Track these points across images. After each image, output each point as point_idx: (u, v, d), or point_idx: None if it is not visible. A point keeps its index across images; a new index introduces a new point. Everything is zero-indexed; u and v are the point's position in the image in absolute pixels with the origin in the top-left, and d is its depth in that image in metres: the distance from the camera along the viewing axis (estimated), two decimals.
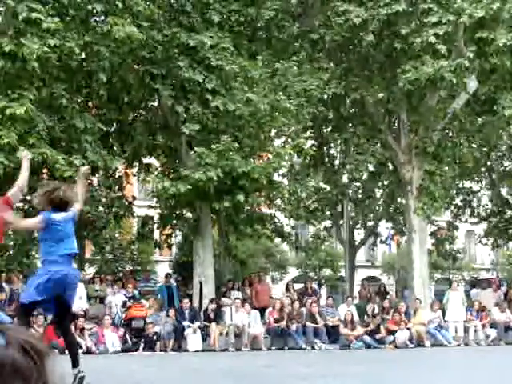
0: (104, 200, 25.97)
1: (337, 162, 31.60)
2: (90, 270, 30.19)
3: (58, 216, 8.44)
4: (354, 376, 10.50)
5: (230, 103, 20.09)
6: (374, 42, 22.52)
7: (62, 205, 8.45)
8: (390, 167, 28.34)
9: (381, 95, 24.53)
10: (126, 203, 25.61)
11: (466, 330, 22.62)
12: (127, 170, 25.81)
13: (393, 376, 10.36)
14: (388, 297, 25.91)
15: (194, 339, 19.60)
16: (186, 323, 19.91)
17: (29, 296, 8.45)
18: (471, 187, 34.81)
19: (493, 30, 21.54)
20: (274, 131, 24.08)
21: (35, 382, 1.10)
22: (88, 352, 18.40)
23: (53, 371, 1.14)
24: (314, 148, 27.99)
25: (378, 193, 33.95)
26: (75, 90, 20.18)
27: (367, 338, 21.07)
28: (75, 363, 8.30)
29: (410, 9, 21.99)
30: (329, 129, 29.12)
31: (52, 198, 8.40)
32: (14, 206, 8.34)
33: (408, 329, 21.52)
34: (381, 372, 11.36)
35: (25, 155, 8.61)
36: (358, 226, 35.45)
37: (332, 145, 30.97)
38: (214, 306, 20.69)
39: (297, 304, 21.87)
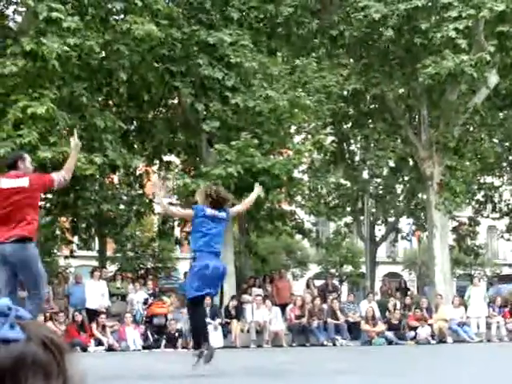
0: (125, 198, 26.08)
1: (357, 158, 31.55)
2: (112, 268, 30.31)
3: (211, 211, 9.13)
4: (375, 372, 10.48)
5: (250, 100, 20.10)
6: (394, 37, 22.42)
7: (218, 202, 9.16)
8: (411, 163, 28.26)
9: (401, 90, 24.45)
10: (147, 201, 25.71)
11: (489, 325, 22.49)
12: (148, 168, 25.91)
13: (414, 372, 10.32)
14: (409, 293, 25.81)
15: (215, 336, 19.62)
16: (207, 320, 19.93)
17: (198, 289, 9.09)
18: (493, 182, 34.58)
19: None
20: (293, 128, 24.09)
21: (56, 377, 1.11)
22: (110, 349, 18.50)
23: (73, 367, 1.15)
24: (334, 144, 27.97)
25: (399, 188, 33.83)
26: (95, 89, 20.27)
27: (389, 335, 21.02)
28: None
29: (430, 3, 21.88)
30: (349, 125, 29.06)
31: (209, 193, 9.18)
32: (55, 187, 8.40)
33: (430, 325, 21.45)
34: (402, 368, 11.32)
35: (75, 144, 8.65)
36: (379, 221, 35.35)
37: (352, 141, 30.92)
38: (234, 302, 20.72)
39: (318, 300, 21.85)
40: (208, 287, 9.04)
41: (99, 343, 18.85)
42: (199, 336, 9.34)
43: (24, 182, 8.09)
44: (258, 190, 10.36)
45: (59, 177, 8.24)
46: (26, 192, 8.04)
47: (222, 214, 9.27)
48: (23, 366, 1.08)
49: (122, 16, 19.59)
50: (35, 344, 1.10)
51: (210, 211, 9.12)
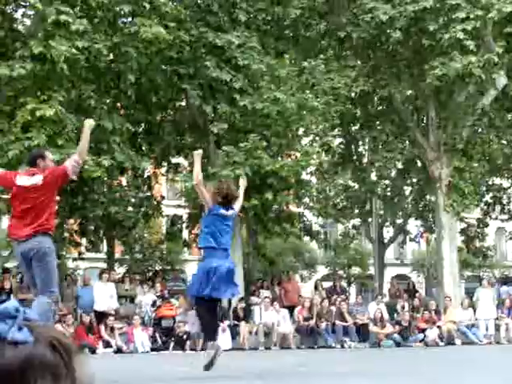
0: (133, 200, 26.11)
1: (365, 160, 31.48)
2: (120, 270, 30.34)
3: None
4: (384, 374, 10.47)
5: (258, 102, 20.11)
6: (402, 38, 22.40)
7: (227, 199, 9.30)
8: (419, 164, 28.20)
9: (409, 92, 24.42)
10: (155, 203, 25.74)
11: (497, 327, 22.43)
12: (156, 170, 25.93)
13: (423, 374, 10.30)
14: (417, 295, 25.77)
15: (223, 338, 19.62)
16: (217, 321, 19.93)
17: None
18: (501, 184, 34.47)
19: None
20: (301, 130, 24.07)
21: (64, 378, 1.11)
22: (118, 351, 18.52)
23: (81, 369, 1.15)
24: (342, 146, 27.98)
25: (407, 190, 33.76)
26: (103, 91, 20.31)
27: (397, 337, 20.99)
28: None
29: (438, 5, 21.83)
30: (357, 126, 29.02)
31: (218, 191, 9.31)
32: (72, 175, 8.28)
33: (438, 327, 21.40)
34: (411, 370, 11.31)
35: (89, 124, 8.47)
36: (387, 223, 35.26)
37: (360, 142, 30.86)
38: (243, 304, 20.72)
39: (326, 302, 21.83)
40: (209, 288, 9.05)
41: (107, 345, 18.87)
42: (208, 333, 9.47)
43: (37, 180, 8.12)
44: (242, 183, 10.37)
45: (72, 163, 8.12)
46: (40, 190, 8.07)
47: (231, 213, 9.40)
48: (31, 368, 1.09)
49: (130, 19, 19.63)
50: (43, 346, 1.10)
51: (222, 211, 9.26)
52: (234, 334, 19.99)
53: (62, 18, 16.97)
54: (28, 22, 19.59)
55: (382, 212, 34.19)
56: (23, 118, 16.90)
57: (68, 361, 1.12)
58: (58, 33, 17.18)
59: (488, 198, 34.06)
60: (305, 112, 20.92)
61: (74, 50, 16.90)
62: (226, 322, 19.89)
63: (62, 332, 1.25)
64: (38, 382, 1.08)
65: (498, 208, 34.78)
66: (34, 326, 1.11)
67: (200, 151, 9.98)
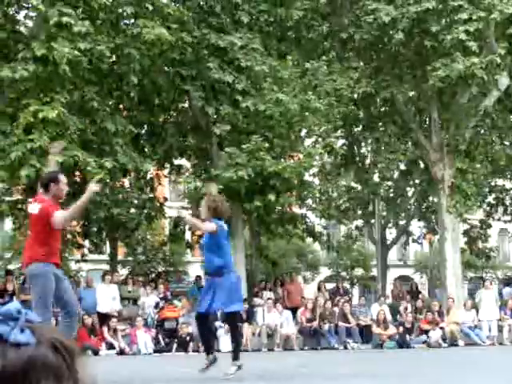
0: (136, 201, 26.12)
1: (368, 161, 31.48)
2: (123, 272, 30.35)
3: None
4: (387, 376, 10.46)
5: (260, 103, 20.11)
6: (404, 40, 22.40)
7: (221, 215, 9.40)
8: (422, 165, 28.19)
9: (411, 93, 24.41)
10: (158, 204, 25.74)
11: (500, 328, 22.41)
12: (158, 172, 25.94)
13: (426, 376, 10.30)
14: (420, 296, 25.76)
15: (226, 340, 19.60)
16: (218, 324, 19.95)
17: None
18: (504, 185, 34.45)
19: None
20: (304, 131, 24.07)
21: (67, 380, 1.11)
22: (121, 353, 18.53)
23: (84, 370, 1.15)
24: (345, 147, 27.96)
25: (410, 191, 33.76)
26: (106, 93, 20.31)
27: (400, 338, 20.97)
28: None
29: (440, 6, 21.83)
30: (359, 128, 29.02)
31: (213, 206, 9.33)
32: (54, 225, 8.21)
33: (441, 328, 21.38)
34: (414, 372, 11.30)
35: (92, 189, 8.32)
36: (390, 225, 35.25)
37: (363, 144, 30.87)
38: (246, 306, 20.70)
39: (329, 304, 21.82)
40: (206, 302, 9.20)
41: (110, 347, 18.87)
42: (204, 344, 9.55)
43: (36, 209, 8.17)
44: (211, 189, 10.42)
45: (60, 217, 8.09)
46: (36, 219, 8.16)
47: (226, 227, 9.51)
48: (34, 370, 1.09)
49: (133, 20, 19.63)
50: (45, 347, 1.10)
51: (225, 226, 9.43)
52: None
53: (65, 19, 16.96)
54: (30, 23, 19.60)
55: (384, 213, 34.18)
56: (25, 120, 16.91)
57: (70, 362, 1.12)
58: (61, 34, 17.17)
59: (491, 199, 34.04)
60: (307, 113, 20.92)
61: (76, 52, 16.89)
62: None
63: (66, 335, 1.25)
64: None
65: (500, 209, 34.75)
66: (36, 327, 1.11)
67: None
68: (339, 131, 26.83)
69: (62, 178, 8.37)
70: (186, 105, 23.45)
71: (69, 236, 25.08)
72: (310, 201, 28.89)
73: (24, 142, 16.89)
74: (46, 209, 8.15)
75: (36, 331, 1.10)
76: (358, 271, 45.26)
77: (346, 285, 33.44)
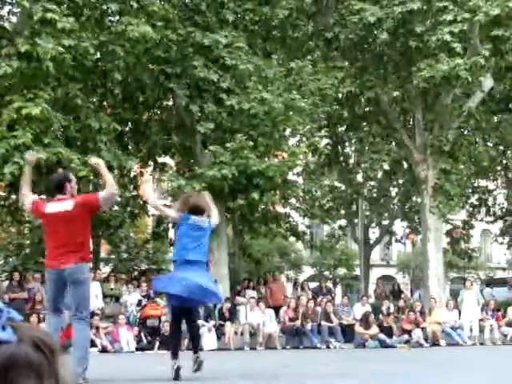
0: (119, 199, 26.04)
1: (352, 161, 31.58)
2: (105, 269, 30.24)
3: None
4: (369, 375, 10.49)
5: (245, 102, 20.11)
6: (389, 40, 22.48)
7: (196, 211, 8.85)
8: (405, 166, 28.30)
9: (396, 93, 24.49)
10: (141, 202, 25.69)
11: (482, 329, 22.52)
12: (142, 169, 25.88)
13: (408, 375, 10.33)
14: (403, 296, 25.85)
15: (208, 338, 19.61)
16: (200, 322, 19.93)
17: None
18: (487, 186, 34.66)
19: (508, 28, 21.45)
20: (288, 130, 24.08)
21: (48, 377, 1.10)
22: (103, 350, 18.47)
23: (65, 368, 1.15)
24: (329, 147, 28.01)
25: (393, 191, 33.89)
26: (90, 90, 20.25)
27: (382, 337, 21.02)
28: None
29: (425, 7, 21.92)
30: (343, 127, 29.10)
31: (187, 202, 8.93)
32: (100, 205, 8.20)
33: (423, 328, 21.46)
34: (396, 371, 11.33)
35: (96, 162, 8.42)
36: (373, 224, 35.40)
37: (347, 143, 30.95)
38: (228, 305, 20.70)
39: (311, 303, 21.85)
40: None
41: (92, 344, 18.78)
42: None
43: (68, 206, 7.95)
44: (207, 194, 9.85)
45: (105, 194, 8.01)
46: (71, 215, 7.90)
47: (205, 223, 8.93)
48: (15, 367, 1.08)
49: (118, 17, 19.58)
50: (27, 345, 1.10)
51: (193, 218, 8.82)
52: (220, 334, 19.97)
53: (49, 15, 16.88)
54: (14, 19, 19.51)
55: (368, 213, 34.31)
56: (9, 117, 16.82)
57: (51, 360, 1.11)
58: (45, 31, 17.10)
59: (473, 199, 34.23)
60: (292, 112, 20.93)
61: (60, 48, 16.81)
62: (212, 322, 19.88)
63: (46, 332, 1.24)
64: (22, 381, 1.08)
65: (483, 210, 34.94)
66: (17, 325, 1.11)
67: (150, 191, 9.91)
68: (323, 131, 26.88)
69: (73, 177, 8.41)
70: (171, 103, 23.42)
71: None
72: (293, 200, 28.90)
73: (7, 138, 16.80)
74: (84, 197, 8.24)
75: (17, 329, 1.10)
76: (341, 271, 45.38)
77: (329, 284, 33.47)
